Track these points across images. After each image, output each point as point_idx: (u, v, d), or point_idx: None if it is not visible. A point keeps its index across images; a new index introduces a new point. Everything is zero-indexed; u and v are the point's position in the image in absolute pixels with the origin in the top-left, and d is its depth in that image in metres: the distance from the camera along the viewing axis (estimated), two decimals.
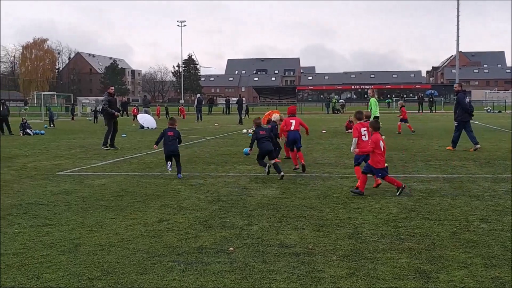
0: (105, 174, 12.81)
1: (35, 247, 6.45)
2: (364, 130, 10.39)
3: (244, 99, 46.96)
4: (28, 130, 28.42)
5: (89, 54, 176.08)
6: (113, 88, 21.49)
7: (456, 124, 17.41)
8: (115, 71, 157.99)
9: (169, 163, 12.37)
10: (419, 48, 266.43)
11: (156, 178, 12.03)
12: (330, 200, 9.25)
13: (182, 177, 11.87)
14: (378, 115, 20.54)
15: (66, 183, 11.49)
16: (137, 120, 35.77)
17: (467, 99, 17.35)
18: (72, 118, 53.54)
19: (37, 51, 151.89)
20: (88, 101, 77.61)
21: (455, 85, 18.51)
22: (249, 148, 13.20)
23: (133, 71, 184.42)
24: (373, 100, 20.36)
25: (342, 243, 6.53)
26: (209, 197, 9.59)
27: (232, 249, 6.30)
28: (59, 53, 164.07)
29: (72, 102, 66.72)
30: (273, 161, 11.90)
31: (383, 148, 9.70)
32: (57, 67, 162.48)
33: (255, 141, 12.26)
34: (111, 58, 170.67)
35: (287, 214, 8.14)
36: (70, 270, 5.57)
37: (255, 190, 10.26)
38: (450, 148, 17.26)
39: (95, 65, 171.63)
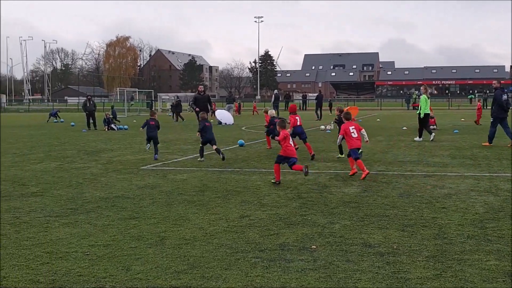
0: (186, 169, 13.09)
1: (124, 239, 6.68)
2: (353, 128, 11.74)
3: (323, 95, 46.53)
4: (112, 125, 29.46)
5: (169, 51, 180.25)
6: (201, 87, 22.76)
7: (492, 120, 17.84)
8: (193, 68, 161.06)
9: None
10: (503, 42, 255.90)
11: (236, 174, 12.18)
12: (413, 199, 9.07)
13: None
14: (428, 112, 20.42)
15: (150, 177, 11.83)
16: (215, 116, 36.33)
17: (504, 96, 17.77)
18: None
19: (120, 49, 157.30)
20: (167, 97, 79.62)
21: (493, 82, 19.09)
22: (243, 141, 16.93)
23: (210, 67, 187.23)
24: (423, 97, 20.41)
25: (428, 244, 6.38)
26: (289, 194, 9.62)
27: (314, 247, 6.30)
28: (140, 51, 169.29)
29: (152, 98, 68.45)
30: (215, 147, 14.78)
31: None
32: (138, 64, 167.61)
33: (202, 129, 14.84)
34: (189, 55, 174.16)
35: (369, 213, 8.04)
36: (157, 262, 5.73)
37: (336, 188, 10.20)
38: (487, 144, 17.67)
39: (174, 62, 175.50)
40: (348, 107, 41.25)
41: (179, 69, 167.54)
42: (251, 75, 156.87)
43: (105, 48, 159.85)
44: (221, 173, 12.32)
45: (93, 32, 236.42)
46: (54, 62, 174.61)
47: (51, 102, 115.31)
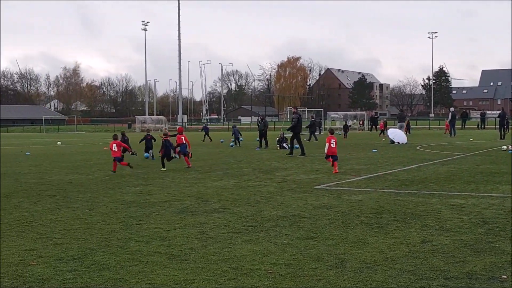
0: (361, 190, 12.96)
1: (304, 259, 6.74)
2: (333, 140, 17.03)
3: (506, 112, 43.45)
4: (284, 144, 30.12)
5: (338, 70, 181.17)
6: (292, 107, 25.31)
7: None
8: (363, 86, 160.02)
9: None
10: None
11: (413, 196, 11.79)
12: None
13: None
14: None
15: (324, 197, 11.88)
16: (386, 134, 35.68)
17: None
18: (320, 133, 55.30)
19: (290, 69, 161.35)
20: (337, 115, 79.83)
21: None
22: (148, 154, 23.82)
23: (381, 85, 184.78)
24: None
25: None
26: (472, 219, 9.09)
27: (505, 276, 5.87)
28: (310, 70, 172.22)
29: (321, 117, 68.99)
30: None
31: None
32: (308, 83, 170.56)
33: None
34: (359, 73, 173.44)
35: None
36: (339, 285, 5.70)
37: None
38: None
39: (343, 80, 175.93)
40: None
41: (349, 87, 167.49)
42: (424, 92, 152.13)
43: (276, 69, 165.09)
44: (397, 194, 12.01)
45: (265, 54, 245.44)
46: (229, 84, 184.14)
47: (226, 121, 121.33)
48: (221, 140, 40.50)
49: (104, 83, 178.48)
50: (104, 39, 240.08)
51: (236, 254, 7.04)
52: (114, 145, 18.41)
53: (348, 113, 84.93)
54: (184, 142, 20.39)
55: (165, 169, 18.56)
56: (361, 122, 69.14)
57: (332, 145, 17.00)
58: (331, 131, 18.22)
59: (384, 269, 6.25)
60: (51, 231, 8.71)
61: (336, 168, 16.79)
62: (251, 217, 9.61)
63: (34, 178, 16.88)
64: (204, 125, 51.54)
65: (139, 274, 6.21)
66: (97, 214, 10.24)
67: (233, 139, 33.94)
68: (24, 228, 9.00)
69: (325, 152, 17.37)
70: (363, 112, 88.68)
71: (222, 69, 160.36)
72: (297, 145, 25.01)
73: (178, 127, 26.38)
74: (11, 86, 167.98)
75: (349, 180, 14.86)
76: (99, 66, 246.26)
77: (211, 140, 40.69)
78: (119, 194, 12.92)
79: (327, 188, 13.41)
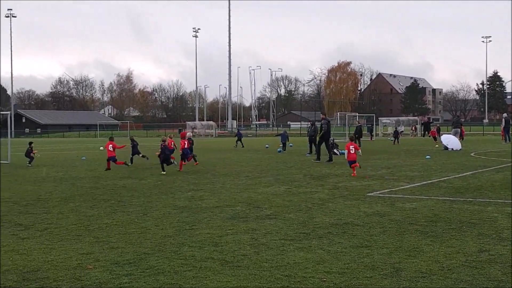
0: (415, 197, 12.74)
1: (358, 268, 6.67)
2: (352, 147, 18.12)
3: None
4: (335, 150, 29.89)
5: (390, 75, 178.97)
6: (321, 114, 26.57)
7: None
8: (415, 91, 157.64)
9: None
10: None
11: (469, 204, 11.52)
12: None
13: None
14: None
15: (377, 204, 11.73)
16: (440, 141, 34.98)
17: None
18: (371, 138, 54.68)
19: (341, 74, 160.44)
20: (389, 121, 78.85)
21: None
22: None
23: (433, 90, 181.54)
24: None
25: None
26: None
27: None
28: (361, 75, 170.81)
29: (372, 123, 68.28)
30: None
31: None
32: (359, 89, 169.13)
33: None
34: (411, 77, 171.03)
35: None
36: None
37: None
38: None
39: (395, 85, 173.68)
40: None
41: (401, 92, 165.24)
42: (477, 98, 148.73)
43: (326, 74, 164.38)
44: (452, 202, 11.76)
45: (315, 59, 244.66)
46: (278, 89, 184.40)
47: (275, 126, 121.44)
48: (266, 145, 40.57)
49: (156, 89, 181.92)
50: (156, 45, 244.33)
51: (289, 261, 7.03)
52: (110, 145, 20.54)
53: (400, 118, 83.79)
54: (186, 146, 21.42)
55: (165, 172, 19.63)
56: (413, 128, 68.02)
57: (351, 151, 18.10)
58: (351, 138, 19.75)
59: (440, 279, 6.13)
60: (107, 235, 8.90)
61: (355, 171, 17.87)
62: (303, 224, 9.58)
63: (90, 182, 17.30)
64: (238, 130, 51.95)
65: (193, 280, 6.27)
66: (151, 218, 10.41)
67: (281, 144, 33.88)
68: (81, 232, 9.23)
69: (346, 159, 18.77)
70: (416, 118, 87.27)
71: (271, 75, 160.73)
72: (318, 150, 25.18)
73: (181, 132, 28.38)
74: (68, 93, 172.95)
75: (403, 187, 14.63)
76: (151, 72, 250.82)
77: (243, 146, 41.20)
78: (171, 199, 13.10)
79: (380, 195, 13.24)
